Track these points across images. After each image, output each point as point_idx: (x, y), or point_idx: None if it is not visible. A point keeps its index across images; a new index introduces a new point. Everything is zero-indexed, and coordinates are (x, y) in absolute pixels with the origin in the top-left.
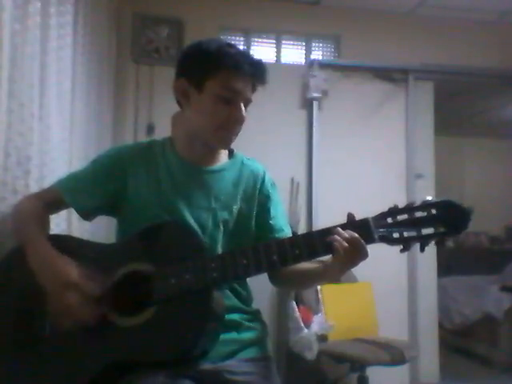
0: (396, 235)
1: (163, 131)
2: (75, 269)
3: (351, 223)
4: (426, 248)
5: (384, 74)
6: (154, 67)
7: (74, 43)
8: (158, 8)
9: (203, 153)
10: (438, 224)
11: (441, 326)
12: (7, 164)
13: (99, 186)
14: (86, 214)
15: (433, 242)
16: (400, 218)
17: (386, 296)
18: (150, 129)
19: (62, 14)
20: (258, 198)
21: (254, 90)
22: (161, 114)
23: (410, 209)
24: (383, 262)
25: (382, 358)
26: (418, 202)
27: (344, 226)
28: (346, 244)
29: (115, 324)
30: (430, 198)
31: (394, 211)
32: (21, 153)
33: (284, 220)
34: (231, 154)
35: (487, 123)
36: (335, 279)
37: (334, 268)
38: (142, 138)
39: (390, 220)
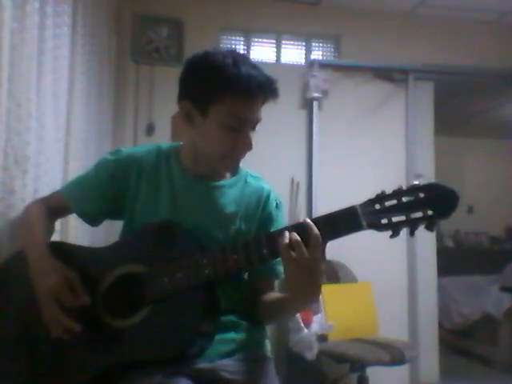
0: (384, 221)
1: (163, 131)
2: (62, 276)
3: (338, 212)
4: (426, 248)
5: (384, 73)
6: (154, 67)
7: (73, 43)
8: (158, 8)
9: (207, 168)
10: (426, 207)
11: (441, 326)
12: (5, 163)
13: (103, 190)
14: (92, 220)
15: (422, 226)
16: (388, 203)
17: (386, 296)
18: (150, 129)
19: (59, 14)
20: (259, 219)
21: (263, 105)
22: (161, 114)
23: (397, 194)
24: (383, 262)
25: (382, 358)
26: (405, 187)
27: (331, 216)
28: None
29: (111, 326)
30: (417, 182)
31: (381, 197)
32: (18, 152)
33: None
34: (236, 169)
35: (487, 123)
36: (301, 299)
37: (290, 283)
38: (142, 137)
39: (377, 206)
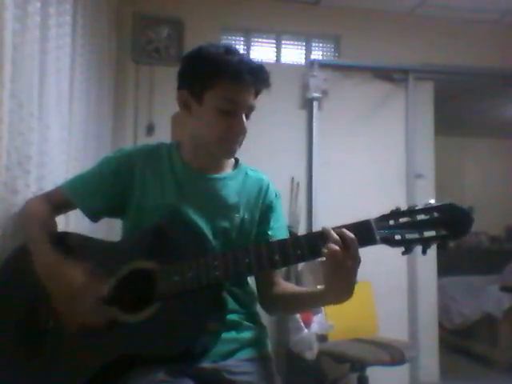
0: (398, 237)
1: (163, 131)
2: (82, 272)
3: (352, 225)
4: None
5: (384, 73)
6: (154, 67)
7: (73, 43)
8: (158, 8)
9: (208, 160)
10: (439, 227)
11: (441, 326)
12: (7, 164)
13: (107, 186)
14: (94, 215)
15: (435, 245)
16: (402, 220)
17: (386, 296)
18: (150, 129)
19: (61, 14)
20: (260, 207)
21: (257, 95)
22: (161, 114)
23: (412, 211)
24: (383, 262)
25: (382, 358)
26: (420, 205)
27: (345, 228)
28: (336, 247)
29: (119, 321)
30: (432, 201)
31: (395, 213)
32: (21, 152)
33: (284, 232)
34: (236, 163)
35: (487, 123)
36: (336, 297)
37: (327, 278)
38: (142, 137)
39: (391, 222)
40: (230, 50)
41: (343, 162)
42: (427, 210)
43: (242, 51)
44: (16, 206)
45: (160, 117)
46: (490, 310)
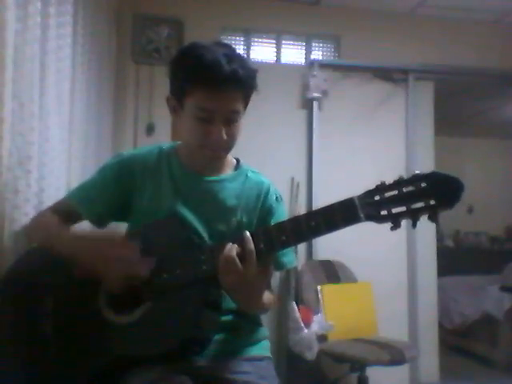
0: (384, 212)
1: (163, 131)
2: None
3: (336, 204)
4: (426, 248)
5: (384, 74)
6: (154, 67)
7: (74, 43)
8: (158, 8)
9: (205, 162)
10: (428, 197)
11: (441, 326)
12: (8, 164)
13: (110, 192)
14: (98, 222)
15: (425, 217)
16: (388, 194)
17: (386, 296)
18: (150, 129)
19: (62, 14)
20: (259, 211)
21: (245, 96)
22: (161, 114)
23: (398, 184)
24: (383, 262)
25: (382, 358)
26: (405, 176)
27: (328, 209)
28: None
29: (112, 322)
30: (418, 171)
31: (381, 188)
32: (21, 153)
33: None
34: (237, 164)
35: (487, 123)
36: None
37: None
38: (142, 137)
39: (377, 197)
40: (209, 49)
41: (343, 162)
42: (413, 180)
43: (242, 51)
44: (17, 206)
45: (160, 117)
46: (490, 310)
